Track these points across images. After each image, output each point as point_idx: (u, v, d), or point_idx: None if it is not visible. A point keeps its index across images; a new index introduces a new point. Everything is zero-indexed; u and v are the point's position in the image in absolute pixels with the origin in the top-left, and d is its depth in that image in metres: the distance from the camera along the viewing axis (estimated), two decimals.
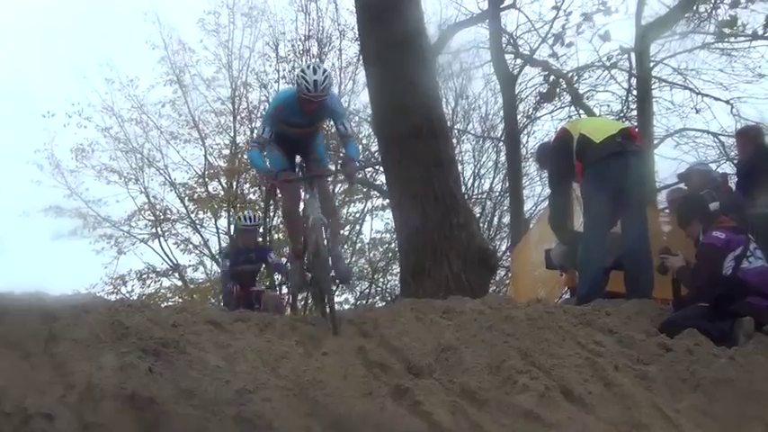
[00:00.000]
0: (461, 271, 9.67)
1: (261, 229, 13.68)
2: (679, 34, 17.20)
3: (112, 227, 21.49)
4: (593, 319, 6.57)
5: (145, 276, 21.42)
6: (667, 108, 18.29)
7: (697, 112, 17.92)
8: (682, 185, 9.36)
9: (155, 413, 4.40)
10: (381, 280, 21.86)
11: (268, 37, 21.70)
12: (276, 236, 19.92)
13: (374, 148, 18.65)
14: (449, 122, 17.14)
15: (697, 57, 17.67)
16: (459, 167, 16.35)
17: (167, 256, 21.66)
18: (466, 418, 4.90)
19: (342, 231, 7.92)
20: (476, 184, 21.75)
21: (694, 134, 18.40)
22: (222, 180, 21.80)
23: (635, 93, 17.57)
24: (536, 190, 20.19)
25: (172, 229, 21.83)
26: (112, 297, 18.01)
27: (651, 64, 17.51)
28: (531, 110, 19.71)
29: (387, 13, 10.35)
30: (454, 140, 17.63)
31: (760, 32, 15.77)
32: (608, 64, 17.94)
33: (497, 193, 21.68)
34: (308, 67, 6.43)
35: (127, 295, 19.95)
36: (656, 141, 17.57)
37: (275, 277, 17.23)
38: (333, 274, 6.76)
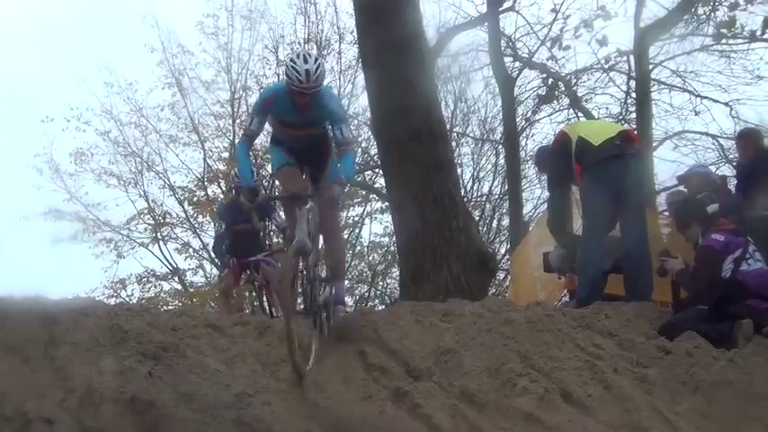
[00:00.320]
0: (461, 274, 9.67)
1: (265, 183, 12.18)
2: (678, 36, 17.21)
3: (112, 231, 21.50)
4: (592, 322, 6.57)
5: (145, 280, 21.43)
6: (666, 110, 18.30)
7: (696, 114, 17.93)
8: (681, 188, 9.35)
9: (154, 417, 4.41)
10: (381, 283, 21.87)
11: (267, 40, 21.73)
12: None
13: (373, 151, 18.67)
14: (448, 125, 17.15)
15: (696, 59, 17.68)
16: (459, 170, 16.37)
17: (167, 259, 21.69)
18: (465, 420, 4.90)
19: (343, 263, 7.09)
20: (475, 187, 21.76)
21: (693, 136, 18.40)
22: (222, 183, 21.80)
23: (634, 95, 17.56)
24: (535, 193, 20.20)
25: (171, 233, 21.85)
26: (112, 301, 18.04)
27: (650, 66, 17.50)
28: (529, 113, 19.75)
29: (385, 16, 10.36)
30: (453, 143, 17.63)
31: (758, 34, 15.75)
32: (607, 66, 17.96)
33: (496, 196, 21.69)
34: (298, 55, 5.74)
35: (127, 299, 19.96)
36: (654, 144, 17.56)
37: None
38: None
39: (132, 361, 4.69)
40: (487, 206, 21.85)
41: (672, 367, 5.89)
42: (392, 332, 5.86)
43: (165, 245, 21.75)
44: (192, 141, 21.92)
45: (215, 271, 20.09)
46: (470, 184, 21.44)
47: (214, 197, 21.59)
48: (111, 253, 21.45)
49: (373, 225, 22.59)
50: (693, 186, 8.54)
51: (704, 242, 6.85)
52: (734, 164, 13.54)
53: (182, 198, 21.88)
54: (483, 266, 10.05)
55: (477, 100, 21.19)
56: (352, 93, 21.32)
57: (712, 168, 13.42)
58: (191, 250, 21.77)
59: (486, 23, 17.77)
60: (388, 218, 19.95)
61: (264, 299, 9.88)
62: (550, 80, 18.10)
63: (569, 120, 17.86)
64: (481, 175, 21.75)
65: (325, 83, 6.03)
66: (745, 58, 17.26)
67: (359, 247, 22.40)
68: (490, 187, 21.80)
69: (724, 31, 16.20)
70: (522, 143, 19.52)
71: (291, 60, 5.71)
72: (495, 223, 21.86)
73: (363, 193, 21.71)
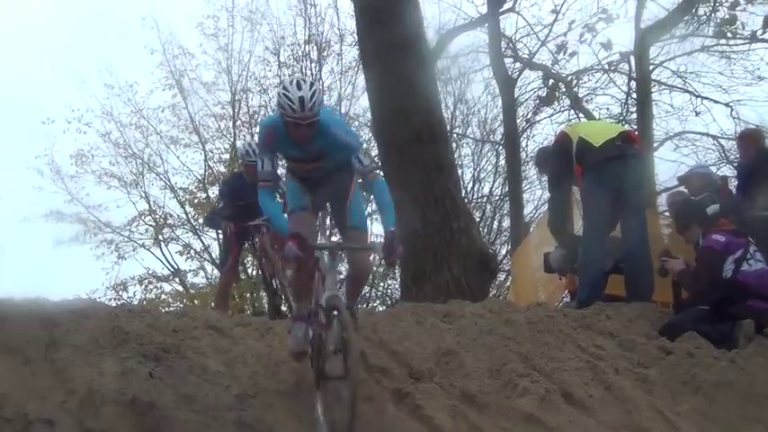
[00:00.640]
0: (462, 275, 9.66)
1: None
2: (678, 37, 17.22)
3: (113, 232, 21.49)
4: (593, 323, 6.57)
5: (146, 281, 21.42)
6: (667, 111, 18.31)
7: (696, 114, 17.93)
8: (682, 188, 9.35)
9: (155, 418, 4.41)
10: (381, 284, 21.84)
11: (268, 41, 21.72)
12: None
13: (374, 152, 18.65)
14: (448, 127, 17.14)
15: (696, 59, 17.69)
16: (459, 171, 16.37)
17: (167, 261, 21.68)
18: (466, 421, 4.91)
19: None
20: (476, 188, 21.75)
21: (694, 137, 18.41)
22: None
23: (634, 96, 17.56)
24: (536, 194, 20.21)
25: (172, 234, 21.84)
26: (113, 303, 18.02)
27: (650, 67, 17.51)
28: (530, 113, 19.77)
29: (386, 17, 10.36)
30: (453, 144, 17.62)
31: (759, 34, 15.76)
32: (607, 67, 17.97)
33: (497, 197, 21.68)
34: (291, 82, 4.99)
35: (128, 300, 19.95)
36: (655, 144, 17.56)
37: None
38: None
39: (133, 362, 4.69)
40: (488, 207, 21.85)
41: (673, 368, 5.89)
42: (393, 333, 5.87)
43: (166, 246, 21.77)
44: (193, 143, 21.92)
45: (216, 272, 20.11)
46: (471, 185, 21.46)
47: (215, 199, 21.53)
48: (112, 254, 21.47)
49: (374, 226, 22.56)
50: (694, 187, 8.54)
51: (705, 243, 6.85)
52: (734, 164, 13.55)
53: (183, 200, 21.88)
54: (484, 267, 10.04)
55: (477, 101, 21.23)
56: (352, 94, 21.33)
57: (713, 169, 13.40)
58: (192, 252, 21.78)
59: (487, 24, 17.78)
60: None
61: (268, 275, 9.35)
62: (551, 81, 18.10)
63: (570, 120, 17.87)
64: (482, 176, 21.78)
65: (325, 100, 5.35)
66: (745, 58, 17.31)
67: None
68: (491, 188, 21.82)
69: (725, 28, 16.20)
70: (523, 144, 19.56)
71: (283, 88, 4.98)
72: (495, 224, 21.87)
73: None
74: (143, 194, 21.70)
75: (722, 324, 6.42)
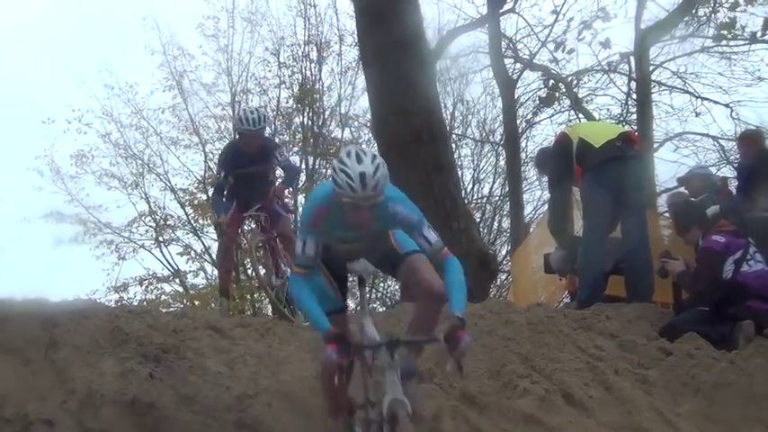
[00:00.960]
0: None
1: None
2: (678, 38, 17.23)
3: (113, 233, 21.48)
4: (593, 324, 6.57)
5: (146, 282, 21.41)
6: (667, 112, 18.31)
7: (697, 115, 17.93)
8: (682, 189, 9.34)
9: (155, 419, 4.41)
10: (382, 285, 21.83)
11: (268, 42, 21.71)
12: None
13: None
14: (447, 127, 17.15)
15: (696, 60, 17.69)
16: (459, 172, 16.36)
17: (168, 262, 21.67)
18: (466, 422, 4.91)
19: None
20: (475, 189, 21.76)
21: (694, 138, 18.40)
22: None
23: (634, 96, 17.57)
24: (536, 194, 20.21)
25: (172, 234, 21.84)
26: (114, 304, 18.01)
27: (651, 67, 17.52)
28: (530, 114, 19.78)
29: (386, 17, 10.37)
30: (453, 145, 17.62)
31: (759, 35, 15.76)
32: (607, 68, 17.97)
33: (497, 198, 21.69)
34: (349, 153, 4.03)
35: (128, 301, 19.94)
36: (655, 145, 17.56)
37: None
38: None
39: (133, 363, 4.69)
40: (488, 208, 21.86)
41: (673, 368, 5.89)
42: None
43: (166, 247, 21.76)
44: (193, 143, 21.94)
45: (215, 273, 20.08)
46: (471, 185, 21.47)
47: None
48: (111, 255, 21.47)
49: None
50: (694, 188, 8.53)
51: (705, 243, 6.85)
52: (734, 165, 13.54)
53: (183, 200, 21.89)
54: (484, 268, 10.04)
55: (476, 102, 21.24)
56: (352, 94, 21.34)
57: (713, 170, 13.41)
58: (192, 253, 21.77)
59: (487, 25, 17.78)
60: None
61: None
62: (551, 81, 18.11)
63: (570, 121, 17.89)
64: (482, 176, 21.78)
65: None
66: (745, 59, 17.31)
67: None
68: (491, 189, 21.84)
69: (724, 32, 16.21)
70: (523, 144, 19.57)
71: (340, 162, 4.00)
72: (495, 225, 21.87)
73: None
74: (143, 195, 21.73)
75: (722, 325, 6.42)
